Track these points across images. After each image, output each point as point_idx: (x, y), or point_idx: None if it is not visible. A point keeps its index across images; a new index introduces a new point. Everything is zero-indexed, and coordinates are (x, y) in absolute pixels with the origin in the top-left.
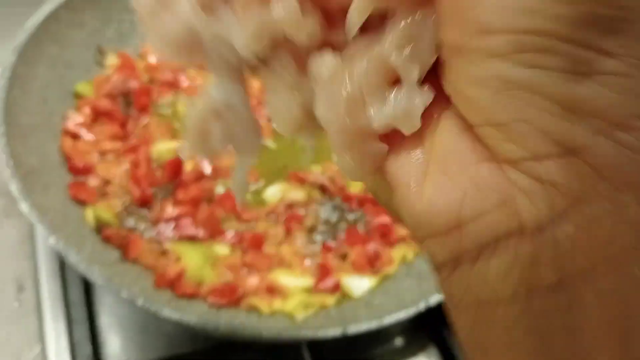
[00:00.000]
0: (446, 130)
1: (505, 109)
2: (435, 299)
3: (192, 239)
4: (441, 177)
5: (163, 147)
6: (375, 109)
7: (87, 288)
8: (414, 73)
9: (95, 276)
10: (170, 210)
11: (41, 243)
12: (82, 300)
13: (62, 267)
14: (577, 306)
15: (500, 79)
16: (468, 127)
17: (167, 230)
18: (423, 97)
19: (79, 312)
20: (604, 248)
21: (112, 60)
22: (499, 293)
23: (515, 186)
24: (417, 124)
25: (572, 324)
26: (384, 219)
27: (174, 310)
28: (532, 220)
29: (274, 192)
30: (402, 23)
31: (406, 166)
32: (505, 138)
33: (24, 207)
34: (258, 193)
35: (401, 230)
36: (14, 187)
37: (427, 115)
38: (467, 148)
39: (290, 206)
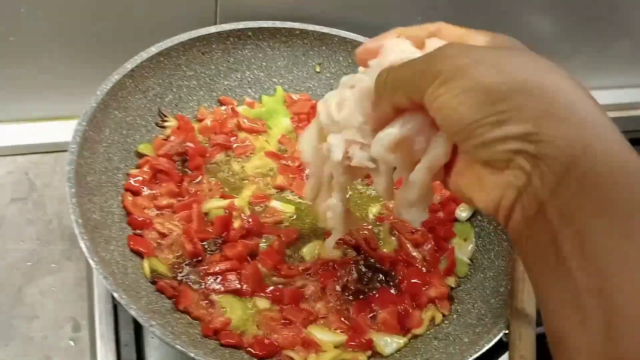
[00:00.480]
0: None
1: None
2: None
3: (236, 292)
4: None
5: (213, 205)
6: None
7: (138, 330)
8: None
9: (153, 329)
10: (218, 265)
11: (97, 285)
12: (132, 340)
13: (115, 309)
14: (547, 223)
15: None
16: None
17: (215, 283)
18: None
19: (130, 353)
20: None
21: (171, 122)
22: (519, 225)
23: (510, 176)
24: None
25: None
26: (415, 280)
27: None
28: (522, 185)
29: (310, 250)
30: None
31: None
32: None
33: (92, 263)
34: (296, 250)
35: (432, 292)
36: (82, 245)
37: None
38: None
39: (326, 264)
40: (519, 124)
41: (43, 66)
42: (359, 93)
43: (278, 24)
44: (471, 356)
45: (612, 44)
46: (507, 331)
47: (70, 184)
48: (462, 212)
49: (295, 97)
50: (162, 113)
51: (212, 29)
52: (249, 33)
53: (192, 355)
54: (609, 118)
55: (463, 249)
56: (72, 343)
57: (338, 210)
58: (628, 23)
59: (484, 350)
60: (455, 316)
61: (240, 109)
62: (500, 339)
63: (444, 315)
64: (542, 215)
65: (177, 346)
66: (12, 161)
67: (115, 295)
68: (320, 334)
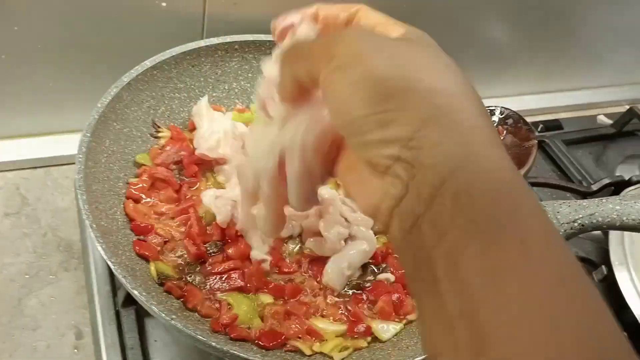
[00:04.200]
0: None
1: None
2: None
3: (240, 289)
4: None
5: (209, 197)
6: None
7: (141, 334)
8: None
9: (177, 324)
10: (221, 265)
11: (98, 293)
12: (137, 344)
13: (118, 314)
14: (422, 238)
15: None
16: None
17: (219, 282)
18: None
19: (136, 355)
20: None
21: (164, 133)
22: (398, 235)
23: (389, 184)
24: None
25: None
26: None
27: (241, 349)
28: (399, 195)
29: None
30: None
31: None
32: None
33: (111, 265)
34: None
35: None
36: (100, 248)
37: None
38: (366, 171)
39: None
40: (401, 127)
41: (31, 83)
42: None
43: (262, 36)
44: None
45: (567, 49)
46: None
47: (81, 191)
48: None
49: None
50: (155, 124)
51: (202, 43)
52: (236, 46)
53: (213, 344)
54: (495, 130)
55: None
56: (75, 351)
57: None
58: (580, 28)
59: None
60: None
61: (230, 115)
62: None
63: None
64: (418, 230)
65: (199, 337)
66: (1, 177)
67: (135, 293)
68: (322, 324)
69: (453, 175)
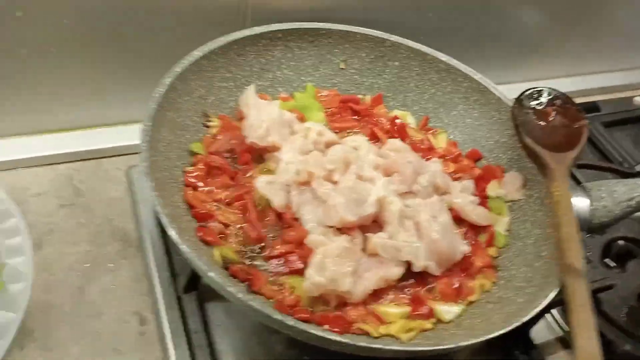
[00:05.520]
0: None
1: None
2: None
3: (300, 272)
4: None
5: (262, 182)
6: None
7: (204, 317)
8: None
9: (255, 304)
10: (279, 249)
11: (159, 278)
12: (201, 328)
13: (179, 300)
14: None
15: None
16: None
17: (279, 266)
18: None
19: (200, 339)
20: None
21: (215, 122)
22: None
23: None
24: None
25: None
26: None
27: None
28: None
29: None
30: None
31: None
32: None
33: (184, 249)
34: None
35: (477, 262)
36: (172, 233)
37: None
38: None
39: None
40: None
41: (80, 77)
42: None
43: (305, 24)
44: (532, 311)
45: (600, 30)
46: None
47: (150, 178)
48: (491, 190)
49: (324, 93)
50: (206, 114)
51: (246, 32)
52: (279, 35)
53: (291, 323)
54: None
55: (499, 222)
56: (140, 336)
57: None
58: (614, 10)
59: (543, 305)
60: (502, 282)
61: (277, 103)
62: None
63: (492, 282)
64: None
65: (276, 317)
66: (53, 169)
67: (211, 274)
68: (383, 307)
69: None
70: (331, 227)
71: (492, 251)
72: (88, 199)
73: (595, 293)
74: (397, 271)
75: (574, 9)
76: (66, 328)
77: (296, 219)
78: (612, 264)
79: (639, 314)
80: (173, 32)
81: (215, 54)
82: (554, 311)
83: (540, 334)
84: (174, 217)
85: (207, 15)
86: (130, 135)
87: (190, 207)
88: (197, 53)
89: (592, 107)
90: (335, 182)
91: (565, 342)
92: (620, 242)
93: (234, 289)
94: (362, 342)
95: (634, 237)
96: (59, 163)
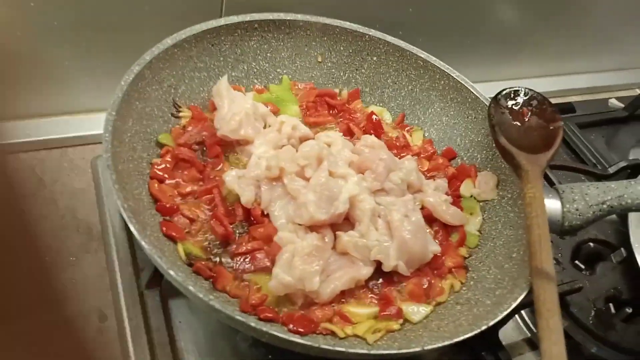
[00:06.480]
0: None
1: None
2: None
3: (266, 269)
4: None
5: (231, 176)
6: None
7: (166, 315)
8: None
9: (212, 303)
10: (246, 245)
11: (121, 274)
12: (163, 325)
13: (142, 296)
14: None
15: None
16: None
17: (245, 263)
18: None
19: (162, 337)
20: None
21: (185, 113)
22: None
23: None
24: None
25: None
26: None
27: (281, 331)
28: None
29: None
30: None
31: None
32: None
33: (144, 244)
34: None
35: (448, 262)
36: (133, 229)
37: None
38: None
39: None
40: None
41: (46, 62)
42: None
43: (282, 15)
44: (500, 314)
45: (579, 32)
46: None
47: (111, 170)
48: (465, 189)
49: (300, 86)
50: (176, 104)
51: (222, 21)
52: (255, 25)
53: (252, 325)
54: None
55: (471, 222)
56: (99, 333)
57: None
58: (593, 12)
59: (511, 308)
60: (472, 282)
61: (250, 96)
62: None
63: (461, 283)
64: None
65: (238, 317)
66: (16, 158)
67: (171, 272)
68: (352, 307)
69: None
70: (301, 224)
71: (463, 251)
72: (51, 189)
73: (564, 295)
74: (367, 271)
75: (554, 10)
76: (23, 322)
77: (266, 215)
78: (582, 265)
79: (607, 316)
80: (146, 19)
81: (188, 42)
82: (523, 312)
83: (509, 334)
84: (137, 210)
85: (182, 4)
86: (97, 124)
87: (155, 200)
88: (169, 41)
89: (567, 108)
90: (307, 179)
91: (533, 343)
92: (591, 244)
93: (195, 288)
94: (325, 345)
95: (604, 239)
96: (22, 152)
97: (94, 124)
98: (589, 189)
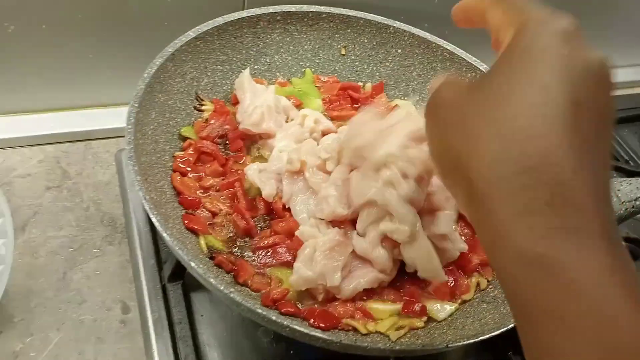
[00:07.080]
0: None
1: None
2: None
3: (288, 264)
4: None
5: (253, 170)
6: None
7: (188, 308)
8: None
9: (236, 297)
10: (268, 239)
11: (144, 266)
12: (185, 318)
13: (164, 289)
14: None
15: None
16: None
17: (266, 257)
18: None
19: (184, 330)
20: None
21: (208, 106)
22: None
23: None
24: None
25: None
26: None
27: (302, 325)
28: None
29: None
30: None
31: None
32: None
33: (166, 237)
34: None
35: (475, 260)
36: (155, 220)
37: None
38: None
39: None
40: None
41: (70, 55)
42: None
43: (305, 7)
44: None
45: (609, 25)
46: None
47: (133, 162)
48: None
49: (323, 79)
50: (199, 97)
51: (244, 13)
52: (278, 17)
53: (273, 318)
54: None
55: None
56: (122, 325)
57: None
58: (624, 4)
59: None
60: (498, 281)
61: (272, 89)
62: None
63: (488, 281)
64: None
65: (259, 310)
66: (41, 150)
67: (193, 265)
68: (375, 304)
69: None
70: (323, 219)
71: None
72: (76, 181)
73: None
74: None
75: (582, 3)
76: (47, 314)
77: (287, 210)
78: None
79: None
80: (169, 12)
81: (211, 35)
82: None
83: None
84: (159, 203)
85: None
86: (122, 117)
87: (178, 193)
88: (191, 34)
89: None
90: (329, 172)
91: None
92: (623, 243)
93: (216, 281)
94: (347, 340)
95: (636, 238)
96: (47, 144)
97: (118, 117)
98: (621, 185)
